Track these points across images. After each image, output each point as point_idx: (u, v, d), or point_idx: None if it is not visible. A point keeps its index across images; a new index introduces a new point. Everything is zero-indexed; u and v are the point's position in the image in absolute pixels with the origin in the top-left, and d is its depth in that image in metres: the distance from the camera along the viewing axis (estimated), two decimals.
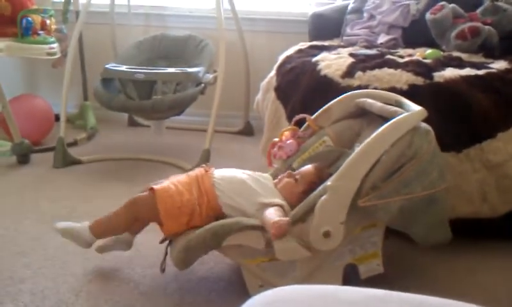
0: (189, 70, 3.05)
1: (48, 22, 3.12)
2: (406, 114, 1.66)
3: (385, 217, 1.66)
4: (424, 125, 1.68)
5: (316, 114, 2.04)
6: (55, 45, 3.16)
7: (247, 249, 1.66)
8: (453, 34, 2.63)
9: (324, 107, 2.03)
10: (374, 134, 1.62)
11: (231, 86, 3.34)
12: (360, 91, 2.04)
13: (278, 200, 1.75)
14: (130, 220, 1.81)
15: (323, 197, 1.60)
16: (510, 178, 2.01)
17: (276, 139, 2.05)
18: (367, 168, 1.59)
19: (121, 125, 3.77)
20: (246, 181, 1.80)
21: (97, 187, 2.69)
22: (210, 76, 3.11)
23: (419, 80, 2.09)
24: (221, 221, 1.70)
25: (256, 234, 1.64)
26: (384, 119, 1.70)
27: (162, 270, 1.81)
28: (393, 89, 2.05)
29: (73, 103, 3.73)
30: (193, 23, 3.72)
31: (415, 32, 2.94)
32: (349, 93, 2.02)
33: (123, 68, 3.05)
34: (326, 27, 3.24)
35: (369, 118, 1.91)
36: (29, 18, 2.97)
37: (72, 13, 3.53)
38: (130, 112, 3.48)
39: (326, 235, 1.60)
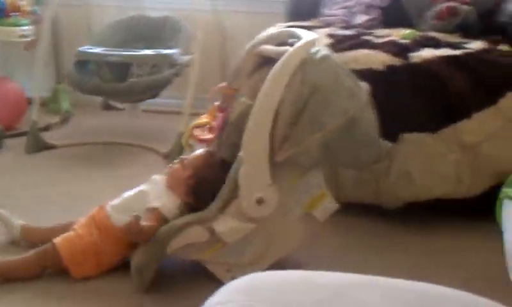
0: (164, 51, 3.00)
1: (21, 3, 3.04)
2: (287, 53, 1.58)
3: (309, 160, 1.62)
4: (320, 53, 1.60)
5: (229, 79, 1.99)
6: (28, 27, 3.08)
7: (195, 245, 1.63)
8: (430, 14, 2.61)
9: (233, 70, 1.98)
10: (262, 88, 1.56)
11: (208, 67, 3.29)
12: (257, 39, 1.97)
13: (154, 204, 1.72)
14: (38, 271, 1.76)
15: (241, 169, 1.57)
16: (484, 158, 2.02)
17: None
18: (269, 123, 1.54)
19: (96, 109, 3.70)
20: (138, 193, 1.80)
21: (71, 172, 2.65)
22: (186, 58, 3.06)
23: (396, 61, 2.07)
24: (157, 236, 1.65)
25: (195, 229, 1.61)
26: None
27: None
28: (370, 70, 2.03)
29: (46, 87, 3.64)
30: (171, 4, 3.64)
31: (395, 13, 2.89)
32: (249, 44, 1.95)
33: (98, 50, 2.98)
34: (304, 8, 3.20)
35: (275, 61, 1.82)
36: (1, 0, 2.89)
37: None
38: (105, 95, 3.40)
39: (260, 201, 1.57)
